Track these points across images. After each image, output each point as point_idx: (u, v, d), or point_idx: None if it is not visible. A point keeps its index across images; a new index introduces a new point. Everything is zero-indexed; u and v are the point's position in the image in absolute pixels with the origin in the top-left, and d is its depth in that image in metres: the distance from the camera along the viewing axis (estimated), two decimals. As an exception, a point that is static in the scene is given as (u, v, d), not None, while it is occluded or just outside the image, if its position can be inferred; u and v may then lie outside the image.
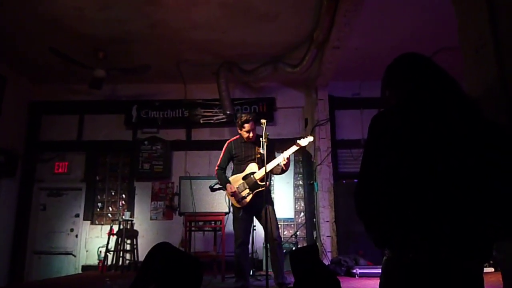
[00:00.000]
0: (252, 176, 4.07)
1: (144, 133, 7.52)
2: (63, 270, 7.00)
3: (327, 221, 6.65)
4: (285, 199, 7.14)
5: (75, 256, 7.06)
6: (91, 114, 7.66)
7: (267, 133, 3.94)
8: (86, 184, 7.36)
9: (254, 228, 4.90)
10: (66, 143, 7.51)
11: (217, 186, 5.06)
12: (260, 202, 3.96)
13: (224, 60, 6.64)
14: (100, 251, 6.77)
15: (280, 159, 3.99)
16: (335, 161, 7.15)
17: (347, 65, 6.59)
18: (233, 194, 4.07)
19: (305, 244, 6.85)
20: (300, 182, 7.46)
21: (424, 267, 1.22)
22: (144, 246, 6.62)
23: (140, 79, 7.04)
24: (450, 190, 1.21)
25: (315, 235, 6.89)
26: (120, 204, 7.33)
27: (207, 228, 5.91)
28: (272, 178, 5.65)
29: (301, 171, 7.49)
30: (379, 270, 1.40)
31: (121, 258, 6.26)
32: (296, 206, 7.32)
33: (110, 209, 7.31)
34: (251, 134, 4.15)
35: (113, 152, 7.56)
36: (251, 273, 5.14)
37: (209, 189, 5.10)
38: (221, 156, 4.36)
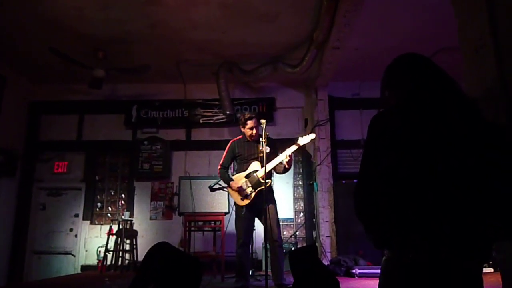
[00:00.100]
0: (254, 174, 4.09)
1: (143, 133, 7.52)
2: (62, 270, 6.99)
3: (327, 221, 6.65)
4: (284, 199, 7.13)
5: (74, 256, 7.06)
6: (91, 114, 7.66)
7: (267, 133, 3.97)
8: (86, 184, 7.35)
9: (254, 228, 4.90)
10: (66, 143, 7.51)
11: (217, 186, 5.06)
12: (263, 200, 3.98)
13: (224, 60, 6.64)
14: (100, 251, 6.76)
15: (283, 156, 3.99)
16: (335, 161, 7.15)
17: (347, 66, 6.60)
18: (239, 189, 4.10)
19: (304, 245, 6.85)
20: (300, 182, 7.46)
21: (424, 267, 1.22)
22: (143, 246, 6.62)
23: (140, 79, 7.03)
24: (450, 190, 1.21)
25: (314, 235, 6.89)
26: (120, 204, 7.32)
27: (206, 228, 5.90)
28: (272, 178, 5.66)
29: (301, 171, 7.50)
30: (379, 271, 1.40)
31: (120, 258, 6.25)
32: (296, 206, 7.32)
33: (110, 209, 7.31)
34: (254, 131, 4.19)
35: (113, 152, 7.56)
36: (250, 273, 5.13)
37: (208, 189, 5.11)
38: (224, 155, 4.42)
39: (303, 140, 4.08)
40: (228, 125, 7.46)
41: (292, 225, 7.18)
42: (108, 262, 6.39)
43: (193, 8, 5.24)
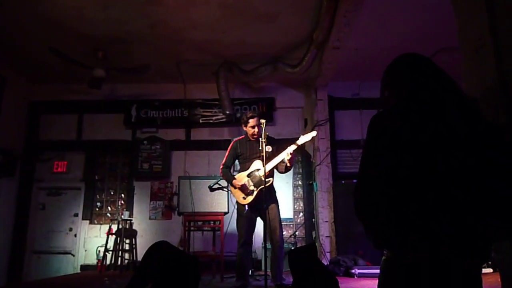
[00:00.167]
0: (256, 173, 4.10)
1: (143, 133, 7.51)
2: (62, 270, 6.99)
3: (326, 221, 6.65)
4: (284, 199, 7.12)
5: (74, 255, 7.05)
6: (91, 114, 7.66)
7: (267, 133, 3.99)
8: (85, 184, 7.35)
9: (254, 229, 4.91)
10: (66, 142, 7.50)
11: (216, 186, 5.06)
12: (265, 199, 3.99)
13: (224, 60, 6.64)
14: (99, 251, 6.76)
15: (284, 154, 4.00)
16: (335, 161, 7.15)
17: (346, 66, 6.60)
18: (243, 187, 4.12)
19: (304, 245, 6.85)
20: (299, 182, 7.46)
21: (424, 267, 1.22)
22: (143, 246, 6.61)
23: (140, 78, 7.03)
24: (450, 190, 1.21)
25: (314, 235, 6.89)
26: (119, 204, 7.32)
27: (206, 228, 5.90)
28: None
29: (300, 171, 7.50)
30: (378, 271, 1.40)
31: (120, 258, 6.25)
32: (295, 206, 7.32)
33: (109, 208, 7.31)
34: (256, 130, 4.22)
35: (112, 152, 7.56)
36: (250, 273, 5.13)
37: (208, 189, 5.11)
38: (226, 155, 4.46)
39: (305, 138, 4.09)
40: (227, 125, 7.46)
41: (291, 225, 7.18)
42: (108, 262, 6.38)
43: (193, 8, 5.24)
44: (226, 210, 5.32)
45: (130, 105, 7.53)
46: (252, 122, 4.24)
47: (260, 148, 4.02)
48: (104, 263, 6.32)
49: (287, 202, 7.20)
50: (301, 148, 4.23)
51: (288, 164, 4.04)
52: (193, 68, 6.95)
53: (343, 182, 6.60)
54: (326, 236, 6.58)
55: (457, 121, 1.28)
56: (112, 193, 7.40)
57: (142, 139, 7.40)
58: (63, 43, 5.86)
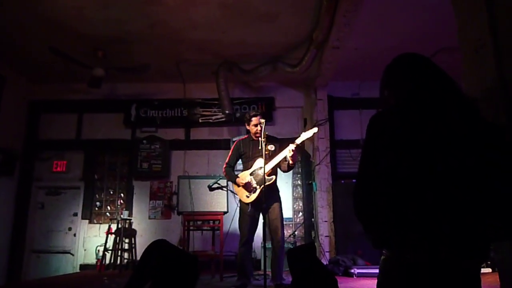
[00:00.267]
0: (259, 171, 4.10)
1: (143, 132, 7.51)
2: (61, 269, 6.99)
3: (326, 221, 6.65)
4: (283, 199, 7.01)
5: (73, 255, 7.05)
6: (90, 113, 7.65)
7: (266, 132, 4.03)
8: (85, 183, 7.35)
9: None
10: (65, 142, 7.50)
11: (216, 185, 5.06)
12: (268, 197, 4.02)
13: (223, 59, 6.64)
14: (98, 250, 6.76)
15: (286, 152, 4.00)
16: (334, 161, 7.15)
17: (346, 65, 6.60)
18: (247, 185, 4.15)
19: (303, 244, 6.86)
20: (299, 182, 7.47)
21: (423, 267, 1.22)
22: (142, 245, 6.60)
23: (139, 78, 7.03)
24: (450, 190, 1.21)
25: (313, 235, 6.89)
26: (119, 203, 7.32)
27: (205, 228, 5.90)
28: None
29: (300, 171, 7.50)
30: (377, 270, 1.40)
31: (119, 257, 6.25)
32: (295, 206, 7.32)
33: (109, 208, 7.31)
34: (258, 128, 4.22)
35: (112, 151, 7.55)
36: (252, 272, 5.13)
37: (207, 189, 5.10)
38: (229, 154, 4.50)
39: (306, 134, 4.09)
40: (227, 125, 7.46)
41: (291, 225, 7.18)
42: (107, 261, 6.38)
43: (193, 8, 5.24)
44: (226, 210, 5.32)
45: (129, 104, 7.53)
46: (254, 120, 4.27)
47: (260, 147, 4.07)
48: (104, 262, 6.32)
49: (286, 202, 7.18)
50: (301, 147, 4.24)
51: (291, 162, 4.04)
52: (193, 67, 6.95)
53: (342, 181, 6.60)
54: (326, 236, 6.59)
55: (457, 121, 1.28)
56: (111, 192, 7.40)
57: (142, 139, 7.39)
58: (63, 43, 5.85)
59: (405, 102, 1.40)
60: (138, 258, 6.30)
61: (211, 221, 5.53)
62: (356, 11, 4.75)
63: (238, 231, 4.35)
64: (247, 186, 4.16)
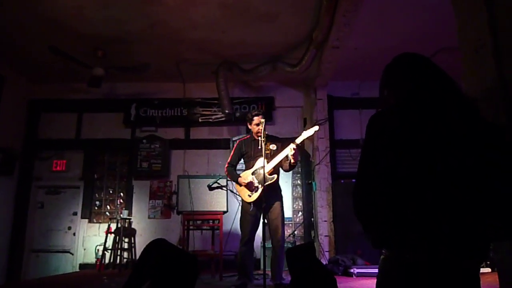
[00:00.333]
0: (261, 170, 4.11)
1: (142, 132, 7.51)
2: (60, 268, 6.99)
3: (325, 221, 6.65)
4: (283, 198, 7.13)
5: (72, 254, 7.05)
6: (90, 113, 7.65)
7: (266, 132, 4.06)
8: (84, 182, 7.34)
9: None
10: (65, 141, 7.50)
11: (215, 185, 5.06)
12: (269, 197, 4.03)
13: (223, 59, 6.64)
14: (98, 250, 6.76)
15: (288, 150, 4.00)
16: (334, 160, 7.15)
17: (346, 65, 6.60)
18: (249, 184, 4.16)
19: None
20: (299, 182, 7.47)
21: (423, 266, 1.22)
22: (141, 245, 6.57)
23: (139, 77, 7.02)
24: (449, 189, 1.21)
25: (313, 235, 6.89)
26: (118, 203, 7.32)
27: (205, 227, 5.90)
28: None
29: (300, 170, 7.50)
30: (377, 270, 1.40)
31: (118, 257, 6.25)
32: (294, 206, 7.32)
33: (108, 207, 7.31)
34: (260, 127, 4.21)
35: (112, 151, 7.55)
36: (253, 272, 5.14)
37: (207, 188, 5.10)
38: (231, 154, 4.53)
39: (307, 133, 4.10)
40: (227, 124, 7.46)
41: (290, 225, 7.18)
42: (107, 261, 6.38)
43: (192, 8, 5.24)
44: (225, 209, 5.32)
45: (129, 104, 7.53)
46: (256, 120, 4.28)
47: (260, 147, 4.08)
48: (103, 262, 6.32)
49: (286, 201, 7.06)
50: (301, 147, 4.24)
51: (292, 161, 4.04)
52: (192, 67, 6.94)
53: (342, 181, 6.60)
54: (325, 236, 6.59)
55: (457, 121, 1.28)
56: (111, 192, 7.40)
57: (141, 138, 7.39)
58: (63, 42, 5.85)
59: (405, 102, 1.40)
60: (138, 257, 6.30)
61: (211, 221, 5.53)
62: (356, 11, 4.75)
63: (237, 231, 4.35)
64: (249, 186, 4.17)
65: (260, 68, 6.61)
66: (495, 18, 1.72)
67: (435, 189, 1.22)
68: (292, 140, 4.08)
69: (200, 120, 7.49)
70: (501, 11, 1.70)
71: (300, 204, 7.34)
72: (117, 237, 6.29)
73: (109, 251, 6.34)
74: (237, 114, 7.35)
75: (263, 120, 4.15)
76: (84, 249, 7.03)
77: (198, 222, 5.61)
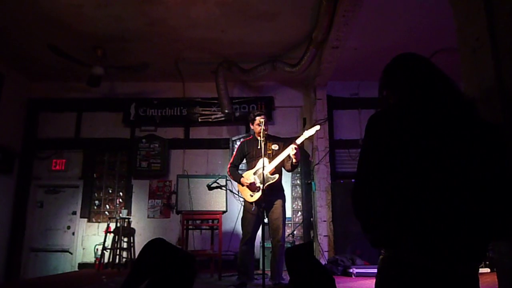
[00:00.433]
0: (262, 170, 4.11)
1: (142, 131, 7.51)
2: (59, 268, 6.99)
3: (324, 221, 6.65)
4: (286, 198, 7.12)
5: (71, 253, 7.05)
6: (89, 112, 7.65)
7: (266, 132, 4.11)
8: (84, 182, 7.34)
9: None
10: (64, 140, 7.49)
11: (215, 184, 5.06)
12: (272, 196, 4.05)
13: (223, 58, 6.63)
14: (97, 249, 6.76)
15: (289, 150, 4.00)
16: (333, 160, 7.15)
17: (345, 65, 6.60)
18: (252, 184, 4.16)
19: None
20: (298, 182, 7.47)
21: (421, 266, 1.22)
22: (141, 244, 6.55)
23: (139, 77, 7.02)
24: (448, 190, 1.21)
25: (312, 235, 6.89)
26: (117, 202, 7.32)
27: (204, 227, 5.90)
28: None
29: (299, 170, 7.49)
30: (376, 270, 1.40)
31: (117, 256, 6.26)
32: (294, 206, 7.32)
33: (107, 207, 7.30)
34: (263, 127, 4.21)
35: (111, 150, 7.55)
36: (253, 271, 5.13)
37: (206, 188, 5.10)
38: (234, 154, 4.57)
39: (309, 132, 4.10)
40: (226, 124, 7.46)
41: (290, 224, 7.18)
42: (106, 260, 6.38)
43: (192, 6, 5.24)
44: (225, 209, 5.32)
45: (129, 103, 7.52)
46: (258, 120, 4.30)
47: (259, 146, 4.09)
48: (102, 261, 6.32)
49: (286, 201, 7.19)
50: (300, 147, 4.25)
51: (294, 161, 4.04)
52: (192, 66, 6.94)
53: (341, 181, 6.60)
54: (324, 236, 6.59)
55: (455, 121, 1.28)
56: (110, 191, 7.40)
57: (141, 138, 7.39)
58: (61, 41, 5.85)
59: (404, 102, 1.40)
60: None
61: (210, 220, 5.53)
62: (356, 11, 4.75)
63: (237, 231, 4.36)
64: (252, 186, 4.18)
65: (259, 68, 6.61)
66: (494, 18, 1.72)
67: (433, 190, 1.22)
68: (294, 139, 4.08)
69: (199, 120, 7.49)
70: (500, 11, 1.70)
71: (300, 204, 7.34)
72: (116, 237, 6.30)
73: (108, 250, 6.35)
74: (237, 114, 7.35)
75: (262, 119, 4.17)
76: (83, 249, 7.03)
77: (198, 221, 5.61)
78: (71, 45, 5.98)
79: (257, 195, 4.15)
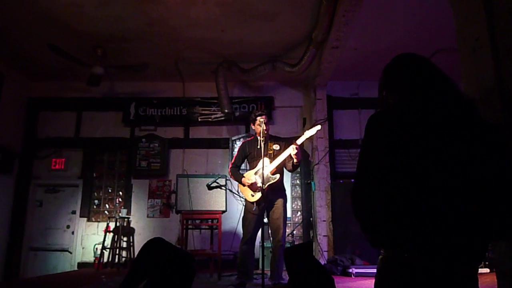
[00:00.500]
0: (262, 170, 4.11)
1: (141, 131, 7.51)
2: (59, 267, 6.99)
3: (324, 221, 6.65)
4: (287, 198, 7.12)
5: (71, 253, 7.05)
6: (89, 111, 7.65)
7: (265, 132, 4.10)
8: (83, 181, 7.34)
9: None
10: (64, 139, 7.49)
11: (214, 184, 5.06)
12: (273, 196, 4.05)
13: (223, 58, 6.63)
14: (96, 248, 6.75)
15: (290, 149, 4.00)
16: (333, 160, 7.15)
17: (345, 65, 6.60)
18: (253, 185, 4.15)
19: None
20: (298, 182, 7.47)
21: (421, 266, 1.22)
22: (140, 244, 6.53)
23: (139, 76, 7.02)
24: (447, 190, 1.21)
25: (311, 235, 6.89)
26: (117, 202, 7.32)
27: (204, 227, 5.90)
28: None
29: (299, 170, 7.48)
30: (375, 270, 1.40)
31: (117, 256, 6.25)
32: (293, 205, 7.32)
33: (107, 206, 7.30)
34: (264, 127, 4.20)
35: (111, 150, 7.55)
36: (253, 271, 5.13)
37: (206, 187, 5.10)
38: (235, 155, 4.55)
39: (310, 132, 4.11)
40: (226, 124, 7.46)
41: (289, 224, 7.18)
42: (105, 260, 6.38)
43: (192, 6, 5.24)
44: (224, 209, 5.32)
45: (128, 102, 7.52)
46: (259, 120, 4.28)
47: (259, 146, 4.09)
48: (102, 260, 6.32)
49: (285, 201, 7.20)
50: (300, 147, 4.25)
51: (295, 161, 4.04)
52: (192, 66, 6.94)
53: (341, 181, 6.60)
54: (324, 236, 6.59)
55: (455, 121, 1.28)
56: (110, 190, 7.40)
57: (141, 137, 7.39)
58: (61, 40, 5.85)
59: (404, 102, 1.40)
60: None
61: (210, 220, 5.53)
62: (356, 11, 4.76)
63: (236, 230, 4.36)
64: (253, 186, 4.17)
65: (259, 68, 6.61)
66: (494, 18, 1.72)
67: (432, 190, 1.22)
68: (295, 139, 4.08)
69: (199, 120, 7.49)
70: (500, 11, 1.69)
71: (299, 204, 7.34)
72: (116, 236, 6.30)
73: (108, 250, 6.35)
74: (237, 114, 7.35)
75: (263, 120, 4.16)
76: (83, 248, 7.03)
77: (197, 221, 5.61)
78: (71, 44, 5.98)
79: (258, 195, 4.15)
